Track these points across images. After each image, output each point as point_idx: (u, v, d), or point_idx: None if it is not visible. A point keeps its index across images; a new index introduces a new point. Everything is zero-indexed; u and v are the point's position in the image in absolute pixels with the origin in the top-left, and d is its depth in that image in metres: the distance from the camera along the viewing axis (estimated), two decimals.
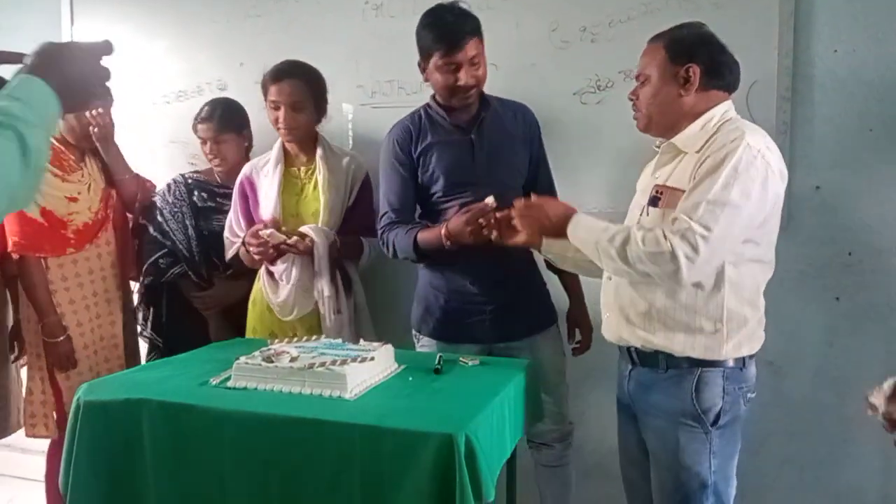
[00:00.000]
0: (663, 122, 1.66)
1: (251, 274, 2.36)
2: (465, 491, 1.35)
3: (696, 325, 1.57)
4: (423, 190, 2.11)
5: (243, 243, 2.25)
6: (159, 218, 2.46)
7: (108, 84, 1.06)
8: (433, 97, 2.13)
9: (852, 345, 2.16)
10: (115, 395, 1.61)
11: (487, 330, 2.07)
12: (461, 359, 1.86)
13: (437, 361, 1.79)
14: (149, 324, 2.52)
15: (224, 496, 1.50)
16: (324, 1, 2.63)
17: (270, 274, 2.28)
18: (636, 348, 1.66)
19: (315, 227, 2.21)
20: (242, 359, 1.68)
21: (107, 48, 1.06)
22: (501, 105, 2.13)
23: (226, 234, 2.37)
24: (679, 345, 1.58)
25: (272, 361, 1.66)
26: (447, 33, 1.95)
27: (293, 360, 1.67)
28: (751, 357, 1.63)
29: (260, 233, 2.16)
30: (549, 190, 2.13)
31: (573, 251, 1.75)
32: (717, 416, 1.59)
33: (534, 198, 1.75)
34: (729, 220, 1.46)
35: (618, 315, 1.69)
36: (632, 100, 1.71)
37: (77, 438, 1.61)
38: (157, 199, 2.49)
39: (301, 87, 2.25)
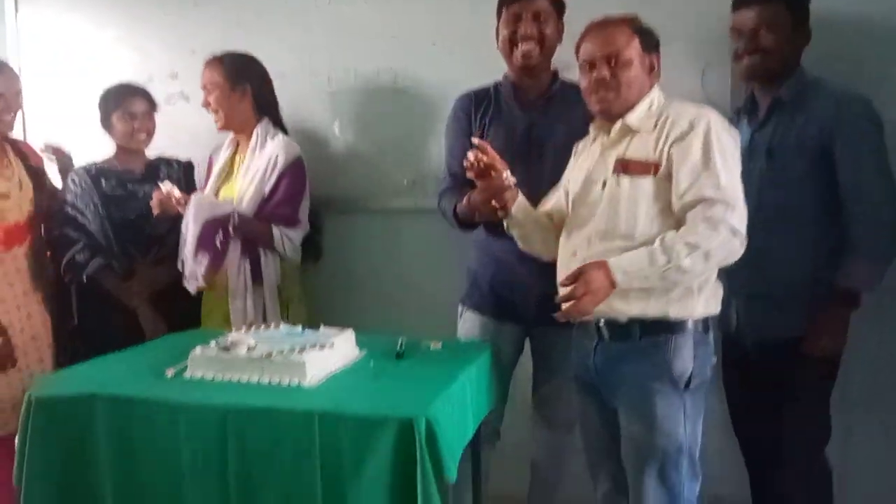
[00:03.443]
0: (629, 104, 1.67)
1: (176, 258, 2.33)
2: (426, 473, 1.35)
3: (668, 285, 1.58)
4: None
5: None
6: (70, 212, 2.35)
7: None
8: (505, 75, 2.10)
9: None
10: (65, 391, 1.58)
11: (531, 311, 2.01)
12: (423, 343, 1.86)
13: (398, 346, 1.78)
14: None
15: (182, 488, 1.48)
16: None
17: None
18: (606, 321, 1.66)
19: (200, 195, 2.28)
20: (198, 349, 1.65)
21: None
22: (578, 93, 1.98)
23: None
24: (653, 308, 1.60)
25: (229, 351, 1.63)
26: None
27: (251, 349, 1.65)
28: (712, 319, 1.68)
29: (160, 184, 2.22)
30: None
31: (531, 223, 1.80)
32: (689, 380, 1.63)
33: (564, 284, 1.60)
34: (737, 182, 1.57)
35: None
36: (603, 79, 1.65)
37: (29, 434, 1.57)
38: (65, 195, 2.38)
39: (215, 74, 2.30)
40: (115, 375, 1.66)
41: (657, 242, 1.54)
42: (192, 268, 2.21)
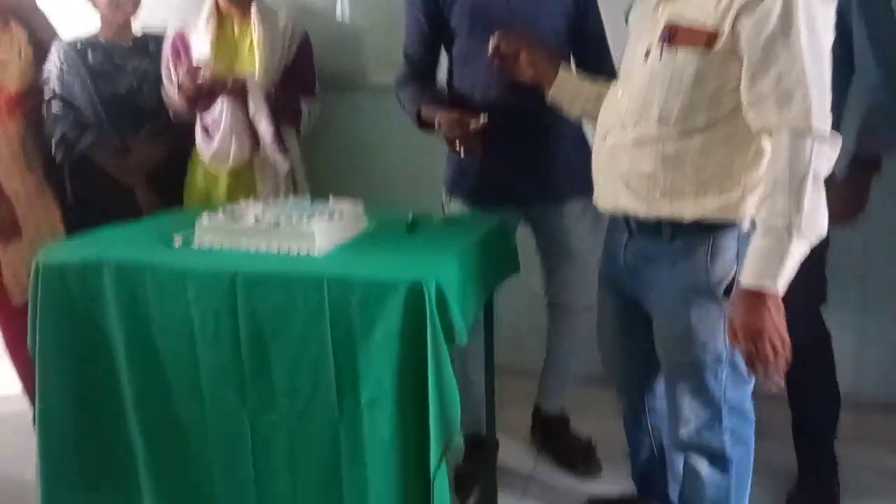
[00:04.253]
0: None
1: (170, 134, 2.31)
2: (436, 337, 1.35)
3: (709, 184, 1.35)
4: (452, 32, 1.87)
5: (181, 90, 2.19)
6: (56, 88, 2.24)
7: None
8: None
9: None
10: (73, 258, 1.56)
11: (527, 188, 1.91)
12: (432, 216, 1.82)
13: (408, 218, 1.75)
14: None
15: (194, 351, 1.49)
16: None
17: (204, 129, 2.26)
18: (635, 218, 1.47)
19: (249, 71, 2.22)
20: (205, 217, 1.63)
21: None
22: None
23: (164, 97, 2.29)
24: (689, 210, 1.37)
25: (236, 220, 1.61)
26: None
27: (258, 218, 1.62)
28: None
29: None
30: (597, 40, 1.91)
31: (584, 99, 1.63)
32: (730, 286, 1.39)
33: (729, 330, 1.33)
34: (825, 66, 1.24)
35: (614, 181, 1.46)
36: None
37: (39, 302, 1.57)
38: (49, 71, 2.26)
39: None
40: (122, 244, 1.65)
41: (758, 219, 1.26)
42: (236, 147, 2.20)
